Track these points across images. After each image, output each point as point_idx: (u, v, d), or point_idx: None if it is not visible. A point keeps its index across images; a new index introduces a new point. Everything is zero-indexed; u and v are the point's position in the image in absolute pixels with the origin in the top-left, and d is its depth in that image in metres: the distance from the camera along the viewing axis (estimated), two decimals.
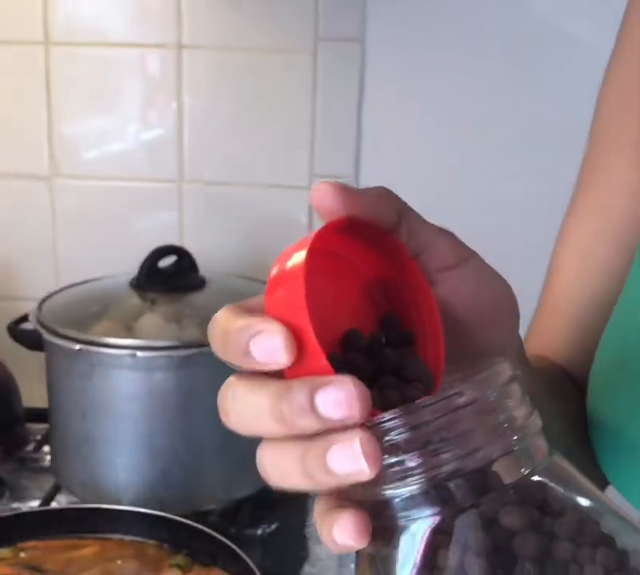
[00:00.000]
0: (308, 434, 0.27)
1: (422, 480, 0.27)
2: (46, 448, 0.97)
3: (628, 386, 0.44)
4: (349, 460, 0.27)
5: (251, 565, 0.66)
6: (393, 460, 0.27)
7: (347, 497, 0.29)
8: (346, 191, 0.30)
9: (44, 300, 0.87)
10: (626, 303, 0.47)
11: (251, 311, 0.30)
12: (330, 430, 0.27)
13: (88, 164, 1.03)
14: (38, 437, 0.98)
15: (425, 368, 0.31)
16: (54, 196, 1.04)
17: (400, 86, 1.01)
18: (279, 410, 0.27)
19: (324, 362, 0.28)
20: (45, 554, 0.70)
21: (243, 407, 0.29)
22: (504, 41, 0.98)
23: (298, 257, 0.29)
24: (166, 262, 0.88)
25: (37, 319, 0.83)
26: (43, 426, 0.99)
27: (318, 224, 1.10)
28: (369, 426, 0.27)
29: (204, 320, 0.83)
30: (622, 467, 0.44)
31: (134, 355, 0.77)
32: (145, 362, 0.78)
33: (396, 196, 0.32)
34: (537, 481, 0.29)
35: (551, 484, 0.29)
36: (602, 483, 0.50)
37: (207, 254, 0.95)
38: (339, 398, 0.27)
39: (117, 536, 0.73)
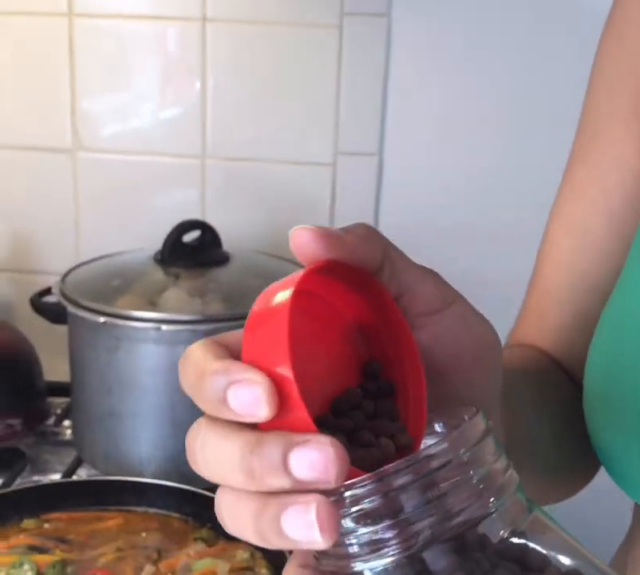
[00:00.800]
0: (276, 491, 0.25)
1: (396, 552, 0.26)
2: (67, 422, 0.97)
3: (626, 377, 0.42)
4: (303, 527, 0.25)
5: None
6: (365, 530, 0.25)
7: (317, 566, 0.27)
8: (328, 235, 0.28)
9: (67, 273, 0.86)
10: (623, 293, 0.45)
11: (228, 349, 0.28)
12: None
13: (112, 139, 1.03)
14: (59, 411, 0.98)
15: (403, 428, 0.29)
16: (77, 169, 1.03)
17: (426, 62, 1.00)
18: (249, 465, 0.25)
19: (305, 417, 0.26)
20: (68, 526, 0.70)
21: (211, 454, 0.27)
22: (532, 16, 0.96)
23: (282, 302, 0.27)
24: (190, 237, 0.88)
25: (60, 292, 0.82)
26: (64, 400, 0.99)
27: (341, 201, 1.09)
28: (336, 494, 0.25)
29: (227, 295, 0.83)
30: (623, 462, 0.43)
31: (159, 329, 0.76)
32: (169, 335, 0.77)
33: (379, 234, 0.30)
34: (517, 542, 0.27)
35: (532, 542, 0.27)
36: (595, 468, 0.50)
37: (229, 230, 0.95)
38: (315, 460, 0.25)
39: (142, 509, 0.73)
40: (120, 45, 1.00)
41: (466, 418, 0.28)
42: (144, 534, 0.70)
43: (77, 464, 0.87)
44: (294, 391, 0.26)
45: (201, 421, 0.27)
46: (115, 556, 0.67)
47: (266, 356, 0.26)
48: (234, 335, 0.29)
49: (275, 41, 0.99)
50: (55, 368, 0.97)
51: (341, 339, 0.31)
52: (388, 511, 0.25)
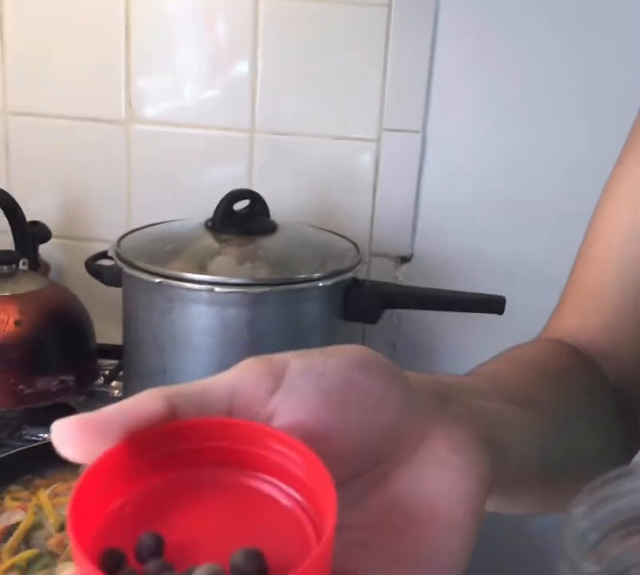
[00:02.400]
0: None
1: None
2: (115, 383, 1.02)
3: None
4: None
5: None
6: None
7: None
8: (85, 422, 0.26)
9: (122, 237, 0.90)
10: None
11: None
12: None
13: (164, 111, 1.06)
14: (107, 373, 1.02)
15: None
16: (130, 141, 1.07)
17: (473, 41, 1.02)
18: None
19: None
20: None
21: None
22: None
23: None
24: (239, 206, 0.91)
25: (116, 254, 0.86)
26: (112, 363, 1.03)
27: (384, 177, 1.12)
28: None
29: (275, 262, 0.87)
30: None
31: (211, 291, 0.80)
32: (221, 297, 0.81)
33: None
34: None
35: None
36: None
37: (275, 203, 0.98)
38: None
39: None
40: (174, 21, 1.03)
41: None
42: None
43: None
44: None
45: None
46: None
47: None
48: None
49: (325, 19, 1.02)
50: (104, 332, 1.01)
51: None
52: None
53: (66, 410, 0.94)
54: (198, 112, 1.06)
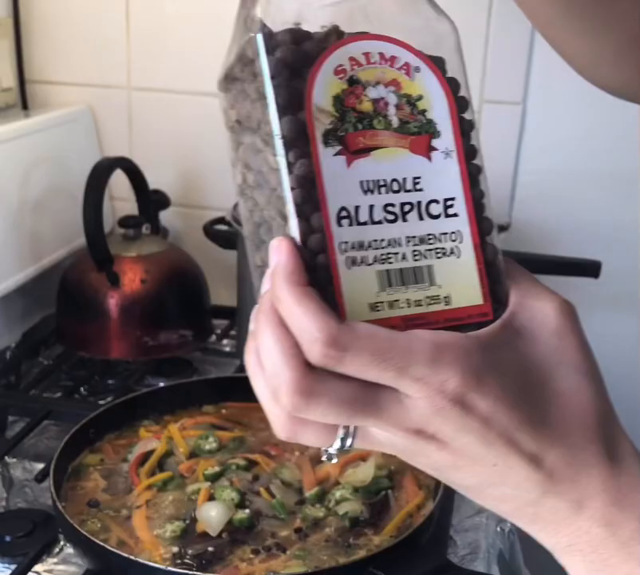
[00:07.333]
0: None
1: None
2: (225, 341, 1.09)
3: None
4: None
5: None
6: None
7: None
8: None
9: (237, 204, 0.96)
10: None
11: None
12: None
13: None
14: (218, 331, 1.09)
15: None
16: None
17: None
18: None
19: None
20: (242, 412, 0.80)
21: None
22: None
23: None
24: None
25: (233, 218, 0.92)
26: (224, 322, 1.10)
27: (485, 148, 1.15)
28: None
29: None
30: None
31: None
32: None
33: None
34: None
35: None
36: None
37: None
38: None
39: None
40: None
41: None
42: None
43: (241, 371, 0.97)
44: None
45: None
46: None
47: None
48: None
49: None
50: (216, 294, 1.08)
51: None
52: None
53: (184, 363, 1.01)
54: None
